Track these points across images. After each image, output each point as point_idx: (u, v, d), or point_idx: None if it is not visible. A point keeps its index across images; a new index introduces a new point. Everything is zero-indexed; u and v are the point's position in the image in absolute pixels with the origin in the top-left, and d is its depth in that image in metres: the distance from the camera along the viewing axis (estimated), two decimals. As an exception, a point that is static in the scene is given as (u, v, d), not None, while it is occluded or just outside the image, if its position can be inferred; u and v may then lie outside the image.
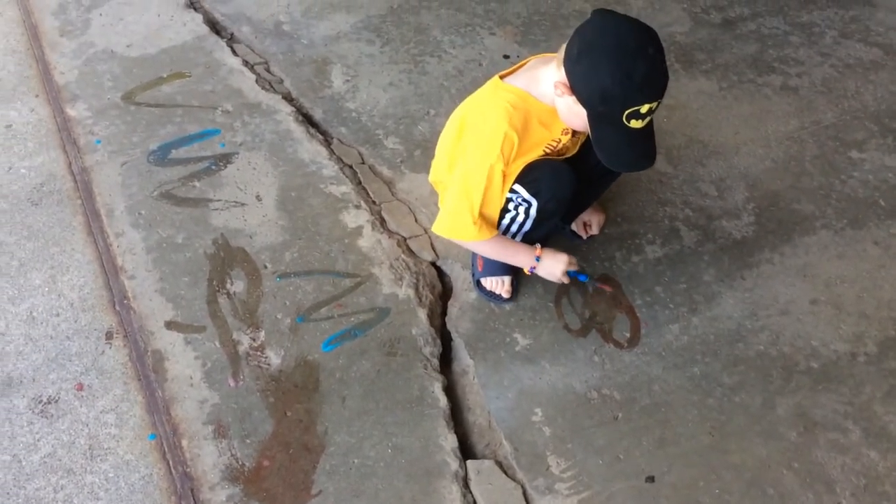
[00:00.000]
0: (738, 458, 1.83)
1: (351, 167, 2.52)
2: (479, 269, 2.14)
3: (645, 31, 1.65)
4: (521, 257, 2.00)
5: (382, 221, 2.35)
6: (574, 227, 2.30)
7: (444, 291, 2.22)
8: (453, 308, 2.15)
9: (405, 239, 2.31)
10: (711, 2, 3.29)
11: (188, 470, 1.78)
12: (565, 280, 2.04)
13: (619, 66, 1.60)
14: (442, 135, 2.11)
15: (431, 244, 2.30)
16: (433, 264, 2.27)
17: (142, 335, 2.03)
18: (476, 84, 2.77)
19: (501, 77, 1.88)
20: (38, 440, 1.83)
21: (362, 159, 2.55)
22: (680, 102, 2.76)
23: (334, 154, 2.55)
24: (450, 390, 1.99)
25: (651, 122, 1.72)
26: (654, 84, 1.65)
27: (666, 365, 2.01)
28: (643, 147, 1.76)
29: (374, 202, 2.41)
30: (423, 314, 2.11)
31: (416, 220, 2.37)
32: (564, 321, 2.10)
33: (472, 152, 1.85)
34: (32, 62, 2.81)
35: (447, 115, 2.62)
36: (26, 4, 3.06)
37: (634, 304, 2.14)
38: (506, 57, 2.95)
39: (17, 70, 2.78)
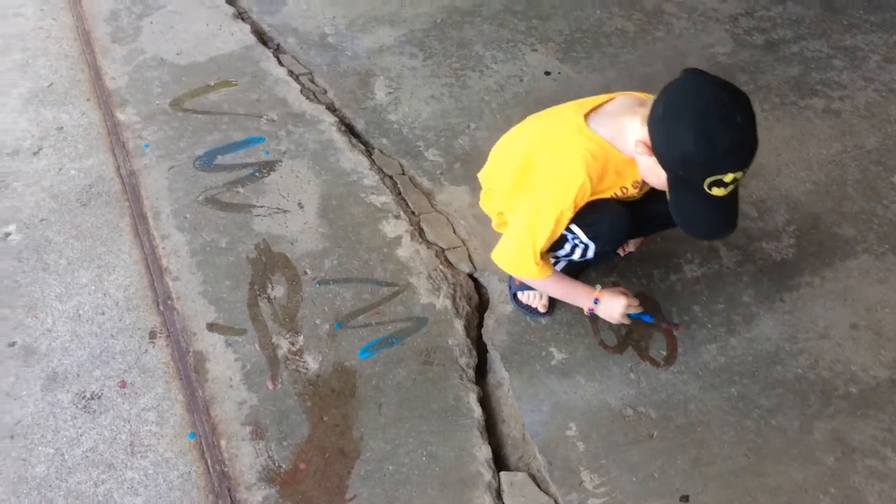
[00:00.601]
0: (773, 481, 1.82)
1: (391, 178, 2.55)
2: (517, 282, 2.15)
3: (734, 96, 1.57)
4: (580, 298, 1.98)
5: (421, 232, 2.38)
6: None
7: (481, 303, 2.24)
8: (490, 320, 2.16)
9: (443, 250, 2.33)
10: (754, 24, 3.29)
11: (226, 469, 1.81)
12: (626, 321, 1.99)
13: (704, 132, 1.54)
14: (500, 152, 2.06)
15: (469, 256, 2.32)
16: (470, 276, 2.28)
17: (184, 336, 2.07)
18: (517, 100, 2.81)
19: (586, 115, 1.81)
20: (81, 435, 1.87)
21: (403, 170, 2.59)
22: (721, 123, 2.75)
23: (375, 164, 2.58)
24: (484, 401, 2.00)
25: (735, 189, 1.65)
26: (739, 153, 1.57)
27: (703, 385, 2.00)
28: (723, 215, 1.71)
29: (413, 213, 2.44)
30: (459, 325, 2.13)
31: (454, 232, 2.39)
32: (600, 337, 2.11)
33: (545, 193, 1.81)
34: (84, 67, 2.89)
35: (488, 128, 2.67)
36: (80, 11, 3.15)
37: (663, 322, 2.13)
38: (547, 73, 2.97)
39: (70, 74, 2.86)
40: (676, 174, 1.64)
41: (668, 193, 1.69)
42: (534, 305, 2.14)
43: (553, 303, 2.15)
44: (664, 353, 2.07)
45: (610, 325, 2.12)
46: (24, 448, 1.85)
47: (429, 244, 2.34)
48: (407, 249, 2.31)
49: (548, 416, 1.93)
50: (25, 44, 2.97)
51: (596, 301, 1.95)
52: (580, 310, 2.13)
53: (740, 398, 1.98)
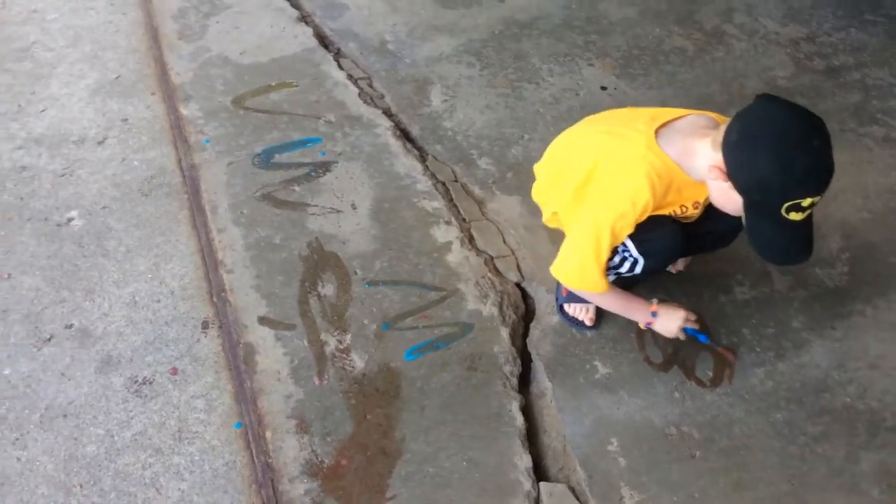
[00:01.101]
0: (817, 510, 1.80)
1: (444, 184, 2.57)
2: (564, 294, 2.15)
3: (810, 120, 1.58)
4: (637, 312, 1.99)
5: (471, 239, 2.40)
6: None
7: (527, 313, 2.24)
8: (535, 330, 2.17)
9: (492, 258, 2.35)
10: (815, 49, 3.25)
11: (270, 461, 1.84)
12: (682, 336, 1.99)
13: (780, 158, 1.54)
14: (564, 151, 2.03)
15: (517, 265, 2.33)
16: (518, 285, 2.29)
17: (236, 327, 2.11)
18: (572, 113, 2.82)
19: (657, 130, 1.79)
20: (131, 418, 1.92)
21: (455, 177, 2.61)
22: (778, 146, 2.73)
23: (428, 170, 2.61)
24: (527, 411, 2.00)
25: (811, 214, 1.65)
26: (817, 177, 1.57)
27: (748, 408, 1.98)
28: (801, 240, 1.70)
29: (464, 220, 2.46)
30: (505, 333, 2.14)
31: (504, 241, 2.40)
32: (646, 354, 2.10)
33: (606, 207, 1.80)
34: (151, 62, 2.98)
35: (541, 140, 2.68)
36: (149, 7, 3.25)
37: (719, 345, 2.12)
38: (603, 88, 2.98)
39: (137, 68, 2.94)
40: (753, 199, 1.63)
41: (744, 218, 1.68)
42: (580, 318, 2.14)
43: (600, 316, 2.15)
44: (710, 373, 2.05)
45: (656, 343, 2.11)
46: (75, 427, 1.90)
47: (478, 251, 2.36)
48: (456, 255, 2.33)
49: (590, 430, 1.93)
50: (95, 36, 3.07)
51: (654, 314, 1.96)
52: (626, 325, 2.13)
53: (786, 424, 1.95)
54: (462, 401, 1.98)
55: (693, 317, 1.97)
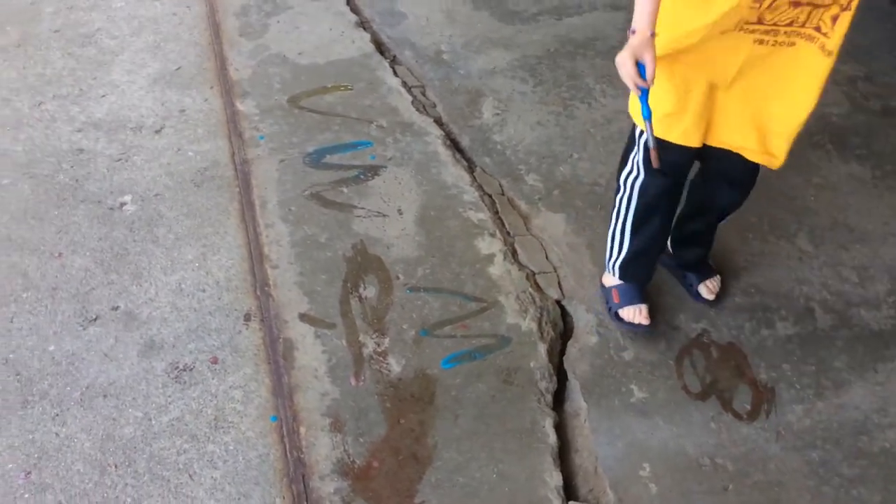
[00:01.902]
0: (850, 554, 1.76)
1: (490, 196, 2.58)
2: (616, 300, 2.16)
3: None
4: (639, 17, 1.60)
5: (514, 253, 2.40)
6: (700, 289, 2.28)
7: (566, 331, 2.24)
8: (573, 349, 2.17)
9: (534, 273, 2.35)
10: (873, 89, 3.21)
11: (302, 456, 1.86)
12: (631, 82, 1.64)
13: None
14: None
15: (559, 282, 2.33)
16: (558, 302, 2.29)
17: (277, 322, 2.14)
18: (623, 135, 2.79)
19: None
20: (170, 403, 1.96)
21: (502, 191, 2.62)
22: (830, 183, 2.70)
23: (476, 181, 2.63)
24: (560, 428, 2.00)
25: None
26: None
27: (784, 444, 1.95)
28: None
29: (508, 233, 2.46)
30: (542, 349, 2.14)
31: (546, 258, 2.40)
32: (684, 381, 2.08)
33: None
34: (211, 56, 3.04)
35: (590, 160, 2.69)
36: (213, 2, 3.32)
37: (759, 378, 2.10)
38: (655, 113, 2.97)
39: (197, 62, 3.00)
40: None
41: None
42: (637, 321, 2.14)
43: (654, 314, 2.15)
44: (748, 406, 2.03)
45: (695, 371, 2.09)
46: (114, 408, 1.94)
47: (520, 266, 2.36)
48: (499, 268, 2.34)
49: (622, 453, 1.92)
50: (159, 27, 3.14)
51: (632, 32, 1.62)
52: (665, 350, 2.14)
53: (822, 463, 1.92)
54: (496, 413, 1.98)
55: (643, 82, 1.62)
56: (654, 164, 1.72)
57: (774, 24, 1.63)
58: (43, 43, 2.98)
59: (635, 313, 2.15)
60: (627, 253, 2.14)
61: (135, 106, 2.76)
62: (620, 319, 2.17)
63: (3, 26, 3.03)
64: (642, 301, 2.16)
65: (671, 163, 1.88)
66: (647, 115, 1.67)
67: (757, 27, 1.63)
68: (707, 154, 1.93)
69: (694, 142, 1.85)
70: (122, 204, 2.42)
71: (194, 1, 3.31)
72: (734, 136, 1.86)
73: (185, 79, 2.91)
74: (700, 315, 2.23)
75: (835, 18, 1.60)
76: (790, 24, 1.63)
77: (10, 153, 2.54)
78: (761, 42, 1.66)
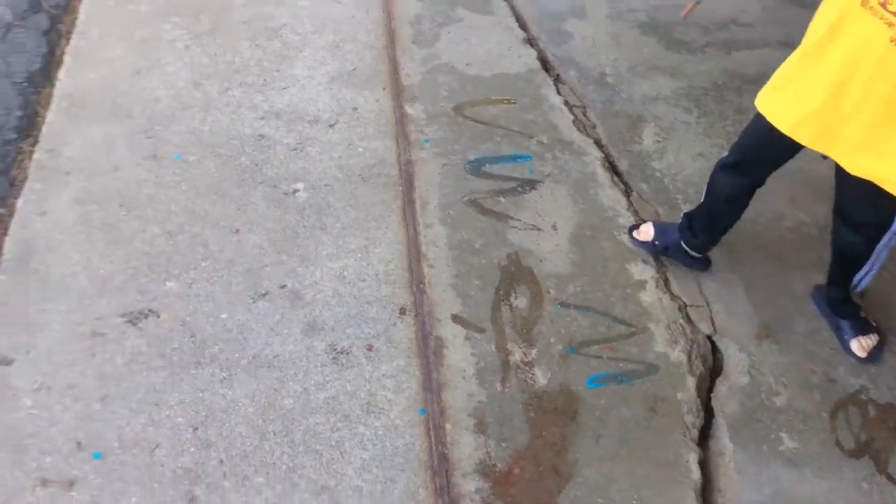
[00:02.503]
0: None
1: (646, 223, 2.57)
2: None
3: None
4: None
5: (667, 282, 2.39)
6: (851, 344, 2.20)
7: (715, 367, 2.21)
8: (722, 386, 2.13)
9: (686, 305, 2.33)
10: None
11: (446, 452, 1.91)
12: None
13: None
14: None
15: (711, 317, 2.30)
16: (709, 338, 2.26)
17: (430, 319, 2.21)
18: (787, 174, 2.74)
19: None
20: (327, 382, 2.06)
21: (658, 218, 2.60)
22: None
23: (632, 206, 2.63)
24: (703, 465, 1.97)
25: None
26: None
27: (945, 517, 1.86)
28: None
29: (662, 262, 2.45)
30: (691, 383, 2.11)
31: (699, 290, 2.37)
32: (837, 436, 2.01)
33: None
34: (385, 60, 3.17)
35: (754, 198, 2.62)
36: (390, 9, 3.45)
37: None
38: (824, 157, 2.87)
39: (372, 64, 3.14)
40: None
41: None
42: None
43: (808, 360, 2.09)
44: (907, 472, 1.94)
45: (850, 428, 2.02)
46: (277, 379, 2.05)
47: (672, 296, 2.34)
48: (650, 295, 2.33)
49: (768, 500, 1.87)
50: (339, 28, 3.30)
51: None
52: (820, 401, 2.08)
53: None
54: (639, 439, 1.97)
55: None
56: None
57: None
58: (233, 33, 3.19)
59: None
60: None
61: (313, 100, 2.92)
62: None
63: (198, 15, 3.26)
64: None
65: (761, 154, 1.97)
66: None
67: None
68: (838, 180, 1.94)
69: (802, 137, 1.85)
70: (296, 190, 2.57)
71: (373, 6, 3.46)
72: (863, 160, 1.80)
73: (360, 79, 3.05)
74: (860, 370, 2.15)
75: None
76: None
77: (198, 132, 2.74)
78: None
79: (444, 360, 2.11)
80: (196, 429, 1.94)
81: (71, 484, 1.82)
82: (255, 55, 3.11)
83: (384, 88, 3.02)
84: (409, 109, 2.92)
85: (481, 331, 2.20)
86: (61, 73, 2.95)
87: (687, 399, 2.07)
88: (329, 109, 2.89)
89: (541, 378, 2.09)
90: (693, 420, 2.03)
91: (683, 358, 2.17)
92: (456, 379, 2.08)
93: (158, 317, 2.18)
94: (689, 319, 2.29)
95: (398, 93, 2.99)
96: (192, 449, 1.90)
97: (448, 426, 1.97)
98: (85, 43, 3.10)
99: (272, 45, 3.17)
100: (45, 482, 1.82)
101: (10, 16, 3.27)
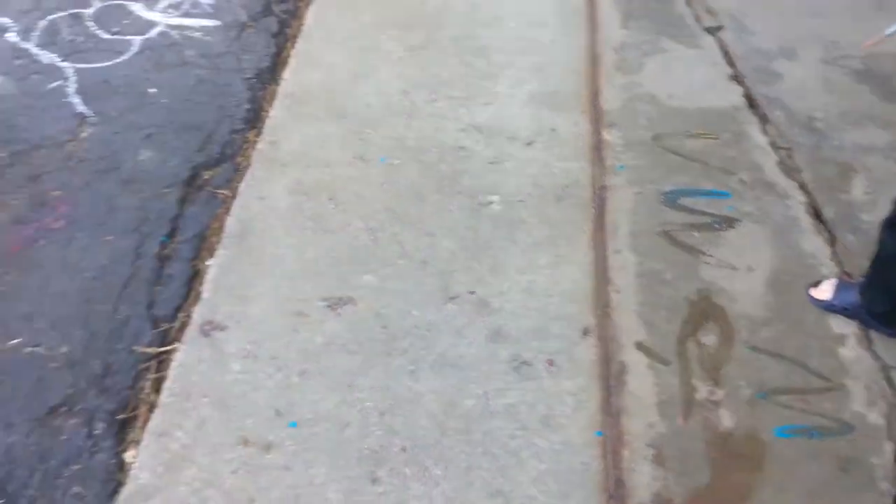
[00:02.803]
0: None
1: (849, 275, 2.44)
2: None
3: None
4: None
5: (870, 341, 2.25)
6: None
7: (918, 437, 2.06)
8: (925, 459, 1.98)
9: (889, 367, 2.18)
10: None
11: (623, 478, 1.90)
12: None
13: None
14: None
15: (917, 385, 2.15)
16: (913, 405, 2.11)
17: (613, 344, 2.20)
18: None
19: None
20: (507, 389, 2.10)
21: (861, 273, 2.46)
22: None
23: (836, 256, 2.50)
24: (898, 537, 1.84)
25: None
26: None
27: None
28: None
29: (865, 318, 2.31)
30: (889, 449, 1.98)
31: (906, 354, 2.22)
32: None
33: None
34: (587, 84, 3.20)
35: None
36: (595, 36, 3.49)
37: None
38: None
39: (573, 87, 3.19)
40: None
41: None
42: None
43: None
44: None
45: None
46: (460, 380, 2.12)
47: (875, 356, 2.21)
48: (850, 351, 2.20)
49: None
50: (543, 50, 3.38)
51: None
52: None
53: None
54: (827, 498, 1.87)
55: None
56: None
57: None
58: (443, 49, 3.34)
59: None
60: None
61: (513, 117, 3.00)
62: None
63: (413, 30, 3.44)
64: None
65: None
66: None
67: None
68: None
69: None
70: (490, 202, 2.65)
71: (578, 31, 3.51)
72: None
73: (560, 101, 3.10)
74: None
75: None
76: None
77: (403, 138, 2.88)
78: None
79: (625, 386, 2.10)
80: (383, 414, 2.04)
81: (268, 447, 1.97)
82: (461, 70, 3.24)
83: (583, 112, 3.05)
84: (606, 135, 2.94)
85: (666, 362, 2.17)
86: (286, 73, 3.20)
87: (882, 464, 1.94)
88: (528, 128, 2.96)
89: (727, 419, 2.03)
90: (888, 488, 1.90)
91: (882, 422, 2.03)
92: (636, 406, 2.06)
93: (356, 305, 2.31)
94: (890, 383, 2.15)
95: (597, 118, 3.02)
96: (379, 433, 2.00)
97: (626, 452, 1.95)
98: (309, 47, 3.35)
99: (478, 62, 3.29)
100: (246, 442, 1.98)
101: (245, 17, 3.60)
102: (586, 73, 3.27)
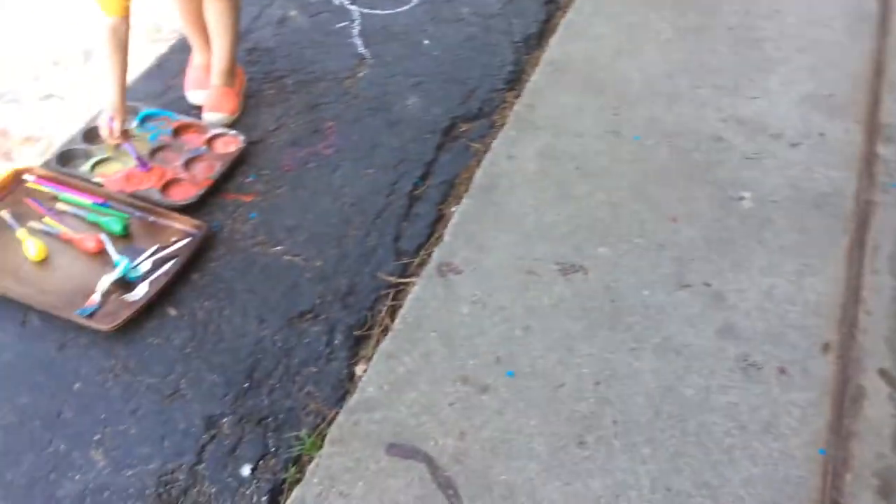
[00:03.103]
0: None
1: None
2: None
3: None
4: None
5: None
6: None
7: None
8: None
9: None
10: None
11: (840, 500, 1.81)
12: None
13: None
14: None
15: None
16: None
17: (853, 365, 2.09)
18: None
19: None
20: (731, 387, 2.06)
21: None
22: None
23: None
24: None
25: None
26: None
27: None
28: None
29: None
30: None
31: None
32: None
33: None
34: (866, 92, 2.99)
35: None
36: (882, 43, 3.23)
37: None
38: None
39: (850, 94, 2.98)
40: None
41: None
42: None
43: None
44: None
45: None
46: (682, 367, 2.11)
47: None
48: None
49: None
50: (822, 51, 3.18)
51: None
52: None
53: None
54: None
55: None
56: None
57: None
58: (715, 35, 3.25)
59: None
60: None
61: (780, 116, 2.87)
62: None
63: (686, 13, 3.38)
64: None
65: None
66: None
67: None
68: None
69: None
70: (742, 198, 2.57)
71: (864, 37, 3.27)
72: None
73: (834, 106, 2.92)
74: None
75: None
76: None
77: (660, 120, 2.86)
78: None
79: (859, 411, 1.99)
80: (598, 384, 2.08)
81: (484, 389, 2.08)
82: (731, 60, 3.14)
83: (858, 121, 2.85)
84: (881, 149, 2.74)
85: (910, 396, 2.02)
86: (552, 41, 3.27)
87: None
88: (794, 129, 2.82)
89: (967, 471, 1.87)
90: None
91: None
92: (868, 434, 1.94)
93: (587, 274, 2.36)
94: None
95: (873, 129, 2.81)
96: (592, 400, 2.04)
97: (848, 477, 1.86)
98: (578, 18, 3.40)
99: (752, 54, 3.17)
100: (465, 380, 2.10)
101: (521, -17, 3.70)
102: (868, 80, 3.04)
